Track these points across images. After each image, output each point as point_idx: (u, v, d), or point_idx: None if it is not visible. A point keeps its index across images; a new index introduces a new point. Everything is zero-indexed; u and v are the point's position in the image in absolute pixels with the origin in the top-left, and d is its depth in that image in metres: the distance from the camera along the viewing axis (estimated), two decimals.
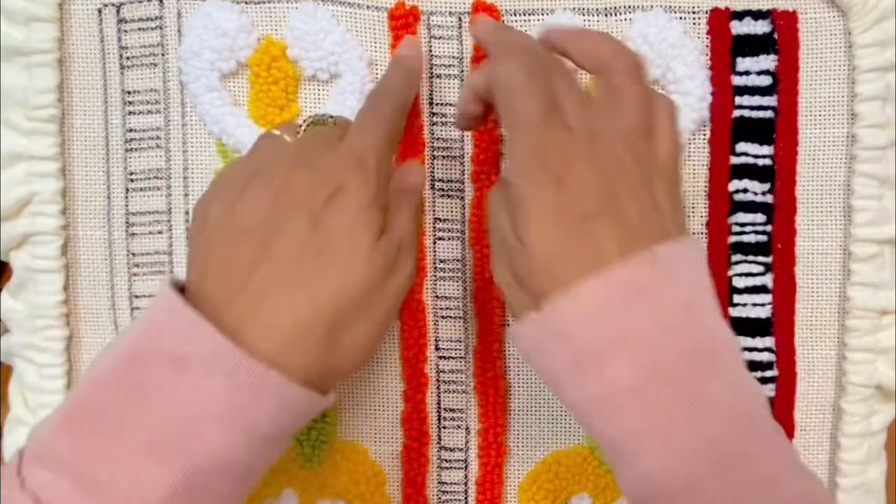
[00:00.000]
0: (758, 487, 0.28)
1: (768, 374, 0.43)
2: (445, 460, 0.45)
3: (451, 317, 0.44)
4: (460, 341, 0.44)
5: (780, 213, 0.43)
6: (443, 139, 0.43)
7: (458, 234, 0.43)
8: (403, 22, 0.41)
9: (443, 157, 0.43)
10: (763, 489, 0.28)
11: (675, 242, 0.30)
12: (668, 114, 0.33)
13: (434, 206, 0.43)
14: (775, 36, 0.42)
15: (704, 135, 0.43)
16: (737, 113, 0.42)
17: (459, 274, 0.43)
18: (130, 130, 0.43)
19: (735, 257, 0.43)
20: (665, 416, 0.28)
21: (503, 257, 0.32)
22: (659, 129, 0.33)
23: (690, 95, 0.42)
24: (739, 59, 0.42)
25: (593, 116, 0.32)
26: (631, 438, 0.29)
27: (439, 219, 0.43)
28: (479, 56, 0.42)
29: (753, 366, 0.43)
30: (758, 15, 0.42)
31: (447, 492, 0.45)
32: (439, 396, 0.44)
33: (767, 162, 0.43)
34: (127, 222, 0.43)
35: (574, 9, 0.42)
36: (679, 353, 0.29)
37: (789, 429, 0.44)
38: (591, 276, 0.29)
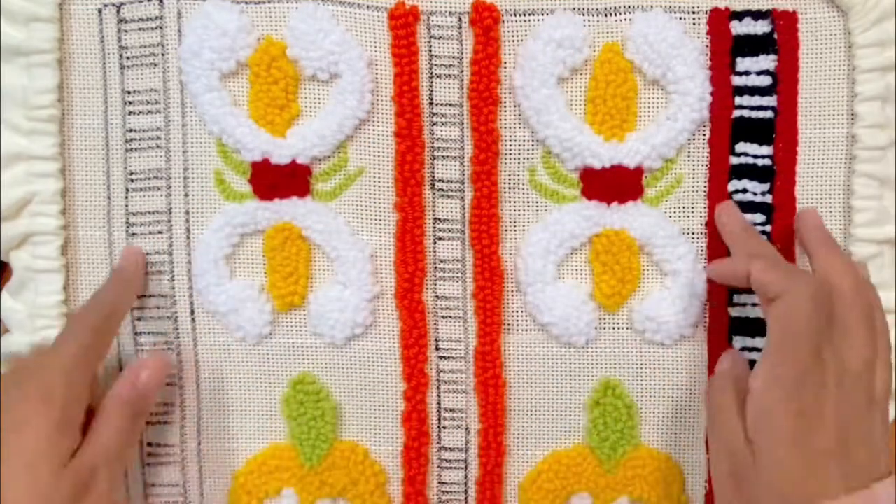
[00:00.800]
0: None
1: None
2: (445, 460, 0.45)
3: (451, 317, 0.44)
4: (460, 341, 0.44)
5: (780, 213, 0.43)
6: (443, 139, 0.43)
7: (458, 234, 0.43)
8: (403, 22, 0.41)
9: (443, 157, 0.43)
10: None
11: (890, 481, 0.33)
12: (887, 343, 0.36)
13: (434, 206, 0.43)
14: (775, 36, 0.42)
15: (704, 135, 0.43)
16: (737, 113, 0.42)
17: (459, 274, 0.43)
18: (130, 130, 0.43)
19: None
20: None
21: (725, 456, 0.35)
22: (880, 360, 0.35)
23: (690, 95, 0.42)
24: (739, 59, 0.42)
25: (838, 349, 0.34)
26: None
27: (439, 219, 0.43)
28: (478, 57, 0.42)
29: (753, 366, 0.43)
30: (758, 15, 0.42)
31: (447, 492, 0.45)
32: (439, 396, 0.44)
33: (767, 162, 0.43)
34: (127, 222, 0.43)
35: (574, 9, 0.42)
36: None
37: None
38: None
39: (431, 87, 0.42)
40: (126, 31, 0.42)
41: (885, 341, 0.36)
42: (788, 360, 0.34)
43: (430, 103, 0.42)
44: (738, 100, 0.42)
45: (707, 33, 0.42)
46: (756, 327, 0.43)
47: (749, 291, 0.43)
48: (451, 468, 0.45)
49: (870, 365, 0.35)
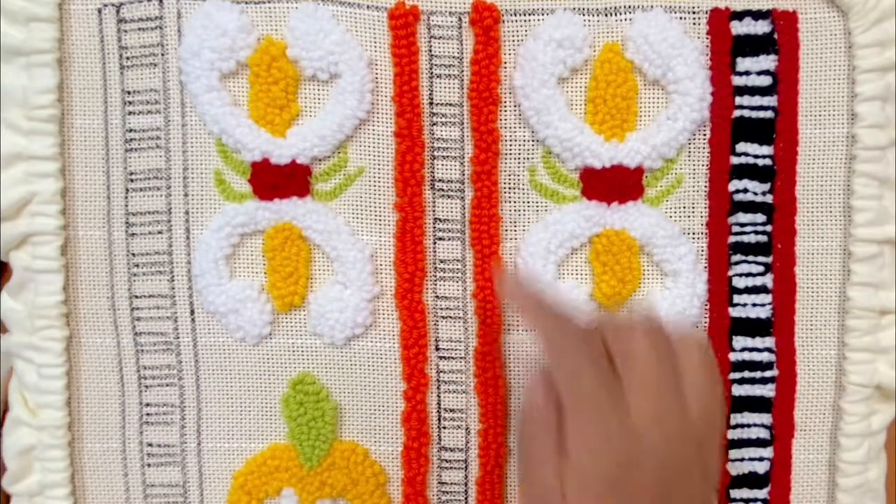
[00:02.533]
0: None
1: (768, 374, 0.43)
2: (445, 460, 0.45)
3: (451, 317, 0.44)
4: (460, 341, 0.44)
5: (780, 213, 0.43)
6: (443, 139, 0.43)
7: (458, 235, 0.43)
8: (403, 21, 0.41)
9: (443, 157, 0.43)
10: None
11: None
12: (721, 401, 0.34)
13: (434, 207, 0.43)
14: (775, 36, 0.42)
15: (704, 135, 0.43)
16: (737, 113, 0.42)
17: (459, 274, 0.43)
18: (130, 130, 0.43)
19: (735, 257, 0.43)
20: None
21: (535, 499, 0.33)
22: (686, 381, 0.33)
23: (690, 95, 0.42)
24: (739, 60, 0.42)
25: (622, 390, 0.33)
26: None
27: (439, 219, 0.43)
28: (479, 57, 0.42)
29: (753, 366, 0.43)
30: (758, 15, 0.42)
31: (447, 492, 0.45)
32: (439, 396, 0.44)
33: (767, 162, 0.43)
34: (127, 222, 0.43)
35: (574, 9, 0.42)
36: None
37: (789, 429, 0.44)
38: None
39: (431, 87, 0.42)
40: (126, 31, 0.42)
41: (691, 361, 0.34)
42: (591, 425, 0.32)
43: (430, 103, 0.42)
44: (738, 100, 0.42)
45: (707, 33, 0.42)
46: (756, 327, 0.43)
47: (749, 291, 0.43)
48: (451, 468, 0.45)
49: (707, 417, 0.33)
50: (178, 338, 0.44)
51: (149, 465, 0.45)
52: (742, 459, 0.44)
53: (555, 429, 0.33)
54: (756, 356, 0.43)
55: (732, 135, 0.42)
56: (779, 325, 0.43)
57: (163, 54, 0.42)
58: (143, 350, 0.44)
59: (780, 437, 0.44)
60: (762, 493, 0.44)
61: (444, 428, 0.44)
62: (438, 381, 0.44)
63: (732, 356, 0.43)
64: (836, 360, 0.44)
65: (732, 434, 0.44)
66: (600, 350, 0.34)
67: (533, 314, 0.36)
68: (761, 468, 0.44)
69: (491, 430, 0.44)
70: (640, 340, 0.33)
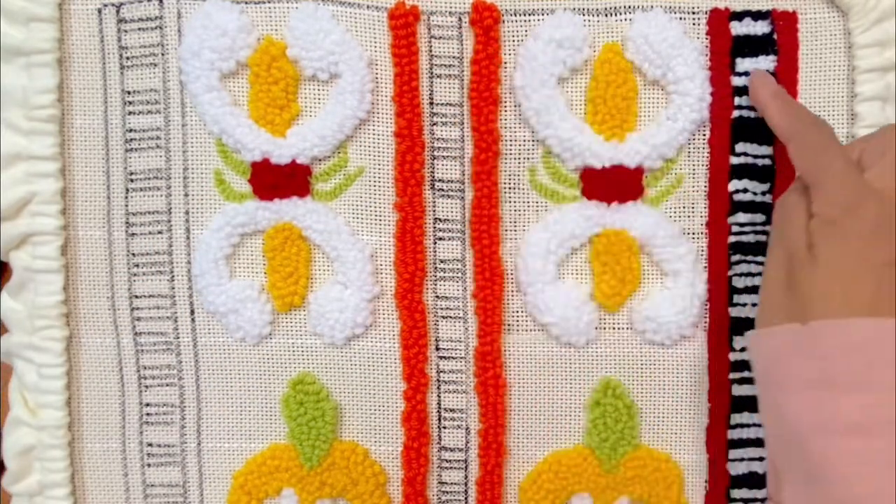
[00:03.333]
0: None
1: None
2: (445, 460, 0.45)
3: (451, 317, 0.44)
4: (460, 341, 0.44)
5: None
6: (443, 139, 0.43)
7: (458, 234, 0.43)
8: (403, 21, 0.41)
9: (443, 157, 0.43)
10: None
11: None
12: None
13: (434, 206, 0.43)
14: (775, 36, 0.42)
15: (704, 135, 0.43)
16: (737, 113, 0.42)
17: (459, 274, 0.43)
18: (130, 130, 0.43)
19: (735, 257, 0.43)
20: (888, 459, 0.31)
21: (783, 259, 0.35)
22: None
23: (690, 95, 0.42)
24: (739, 60, 0.42)
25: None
26: (849, 465, 0.31)
27: (439, 219, 0.43)
28: (479, 57, 0.42)
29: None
30: (757, 15, 0.42)
31: (447, 492, 0.45)
32: (439, 396, 0.44)
33: (767, 162, 0.43)
34: (127, 222, 0.43)
35: (574, 9, 0.42)
36: None
37: None
38: (868, 319, 0.32)
39: (431, 87, 0.42)
40: (126, 31, 0.42)
41: None
42: (839, 175, 0.34)
43: (431, 103, 0.42)
44: (738, 100, 0.42)
45: (707, 33, 0.42)
46: None
47: (749, 291, 0.43)
48: (451, 468, 0.45)
49: None
50: (178, 338, 0.44)
51: (149, 465, 0.45)
52: (742, 459, 0.44)
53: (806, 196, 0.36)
54: None
55: (732, 135, 0.42)
56: None
57: (163, 54, 0.42)
58: (143, 350, 0.44)
59: None
60: (762, 493, 0.44)
61: (444, 428, 0.44)
62: (438, 381, 0.44)
63: (732, 356, 0.43)
64: None
65: (732, 434, 0.44)
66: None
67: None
68: (761, 468, 0.44)
69: (491, 430, 0.44)
70: (892, 137, 0.35)
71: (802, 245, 0.34)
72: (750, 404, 0.44)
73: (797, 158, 0.37)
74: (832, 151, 0.35)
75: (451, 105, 0.42)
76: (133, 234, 0.44)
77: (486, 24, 0.41)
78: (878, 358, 0.32)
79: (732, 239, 0.43)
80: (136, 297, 0.44)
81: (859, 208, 0.33)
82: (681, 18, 0.42)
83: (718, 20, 0.42)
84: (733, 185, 0.43)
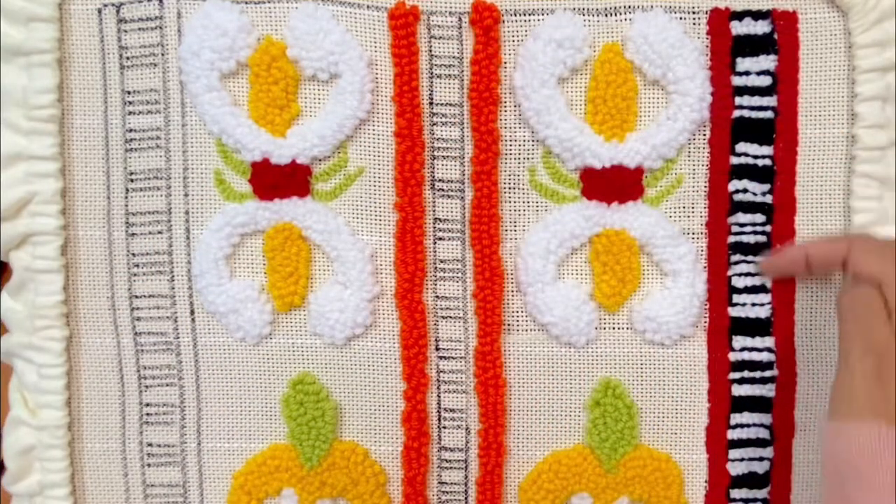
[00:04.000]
0: None
1: (768, 374, 0.43)
2: (445, 460, 0.45)
3: (451, 317, 0.44)
4: (460, 341, 0.44)
5: (780, 213, 0.43)
6: (443, 139, 0.43)
7: (458, 234, 0.43)
8: (403, 22, 0.41)
9: (443, 157, 0.43)
10: None
11: None
12: None
13: (434, 206, 0.43)
14: (775, 36, 0.42)
15: (704, 135, 0.43)
16: (737, 113, 0.42)
17: (459, 274, 0.43)
18: (130, 130, 0.43)
19: (735, 257, 0.43)
20: None
21: (872, 357, 0.36)
22: None
23: (690, 95, 0.42)
24: (739, 60, 0.42)
25: None
26: None
27: (439, 219, 0.43)
28: (479, 57, 0.42)
29: (753, 366, 0.43)
30: (758, 15, 0.42)
31: (447, 492, 0.45)
32: (439, 396, 0.44)
33: (767, 162, 0.43)
34: (127, 222, 0.43)
35: (574, 9, 0.42)
36: None
37: (789, 429, 0.44)
38: None
39: (431, 87, 0.42)
40: (126, 31, 0.42)
41: None
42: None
43: (431, 103, 0.42)
44: (738, 100, 0.42)
45: (707, 33, 0.42)
46: (756, 327, 0.43)
47: (749, 291, 0.43)
48: (451, 468, 0.45)
49: None
50: (178, 338, 0.44)
51: (149, 465, 0.45)
52: (742, 459, 0.44)
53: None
54: (756, 356, 0.43)
55: (732, 135, 0.42)
56: (778, 325, 0.43)
57: (163, 54, 0.42)
58: (143, 350, 0.44)
59: (780, 437, 0.44)
60: (762, 493, 0.44)
61: (444, 428, 0.44)
62: (438, 381, 0.44)
63: (732, 356, 0.43)
64: (836, 360, 0.43)
65: (732, 434, 0.44)
66: None
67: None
68: (761, 468, 0.44)
69: (491, 430, 0.44)
70: None
71: (891, 343, 0.35)
72: (750, 404, 0.44)
73: (862, 263, 0.37)
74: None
75: (451, 105, 0.42)
76: (133, 234, 0.44)
77: (486, 24, 0.41)
78: None
79: (732, 239, 0.43)
80: (136, 297, 0.44)
81: None
82: (681, 18, 0.42)
83: (719, 20, 0.42)
84: (733, 185, 0.43)
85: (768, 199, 0.43)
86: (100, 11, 0.42)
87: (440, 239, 0.43)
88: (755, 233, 0.43)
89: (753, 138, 0.42)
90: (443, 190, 0.43)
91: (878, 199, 0.42)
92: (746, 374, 0.43)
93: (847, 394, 0.36)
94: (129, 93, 0.43)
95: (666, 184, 0.43)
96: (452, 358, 0.44)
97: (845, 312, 0.37)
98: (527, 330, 0.44)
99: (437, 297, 0.43)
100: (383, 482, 0.44)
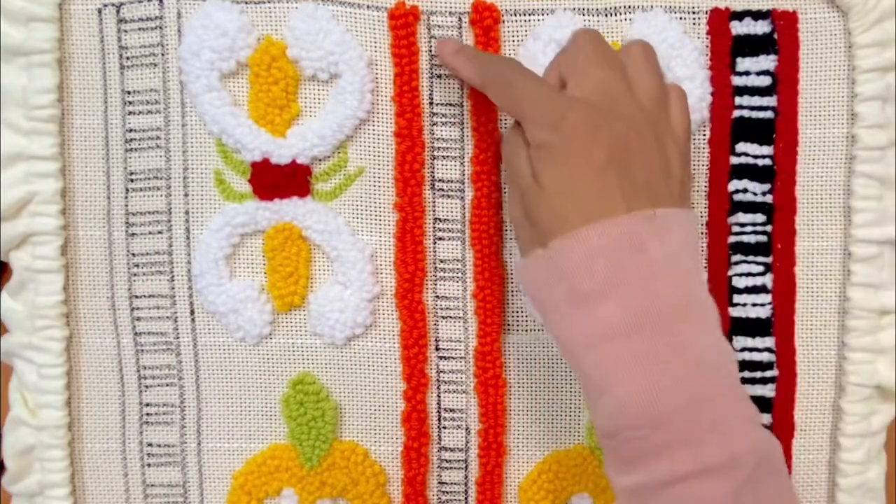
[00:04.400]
0: (710, 434, 0.31)
1: (768, 374, 0.43)
2: (445, 460, 0.45)
3: (451, 317, 0.44)
4: (460, 341, 0.44)
5: (780, 213, 0.43)
6: (443, 139, 0.43)
7: (458, 234, 0.43)
8: (403, 21, 0.41)
9: (443, 157, 0.43)
10: (714, 435, 0.31)
11: (676, 209, 0.34)
12: (680, 94, 0.37)
13: (434, 206, 0.43)
14: (775, 36, 0.42)
15: (704, 135, 0.43)
16: (737, 113, 0.42)
17: (459, 274, 0.43)
18: (130, 130, 0.43)
19: (735, 257, 0.43)
20: (645, 354, 0.31)
21: (517, 194, 0.35)
22: (672, 104, 0.36)
23: (690, 96, 0.41)
24: (739, 60, 0.42)
25: (630, 89, 0.35)
26: (612, 370, 0.32)
27: (439, 219, 0.43)
28: None
29: (753, 366, 0.43)
30: (758, 15, 0.42)
31: (447, 492, 0.45)
32: (439, 396, 0.44)
33: (767, 162, 0.43)
34: (127, 222, 0.43)
35: (574, 9, 0.42)
36: (665, 302, 0.32)
37: (789, 429, 0.44)
38: (598, 223, 0.32)
39: (431, 87, 0.42)
40: (126, 31, 0.42)
41: (677, 94, 0.37)
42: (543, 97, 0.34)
43: (430, 103, 0.42)
44: (738, 100, 0.42)
45: (707, 33, 0.42)
46: (756, 327, 0.43)
47: (749, 291, 0.43)
48: (451, 468, 0.45)
49: (655, 100, 0.35)
50: (178, 338, 0.44)
51: (149, 465, 0.45)
52: None
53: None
54: (756, 356, 0.43)
55: (732, 135, 0.42)
56: (779, 325, 0.43)
57: (163, 54, 0.42)
58: (143, 350, 0.44)
59: (780, 437, 0.44)
60: None
61: (444, 428, 0.44)
62: (438, 381, 0.44)
63: None
64: (836, 360, 0.44)
65: None
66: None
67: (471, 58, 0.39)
68: None
69: (491, 430, 0.44)
70: (582, 44, 0.36)
71: (528, 176, 0.34)
72: None
73: (498, 100, 0.37)
74: (523, 80, 0.35)
75: (451, 105, 0.42)
76: (133, 234, 0.44)
77: (486, 24, 0.41)
78: (618, 255, 0.32)
79: (732, 239, 0.43)
80: (136, 297, 0.44)
81: (563, 122, 0.33)
82: (681, 18, 0.42)
83: (719, 20, 0.42)
84: (733, 185, 0.43)
85: (768, 199, 0.43)
86: (100, 11, 0.42)
87: (440, 239, 0.43)
88: (755, 233, 0.43)
89: (753, 138, 0.42)
90: (443, 190, 0.43)
91: (878, 199, 0.42)
92: (747, 374, 0.43)
93: (515, 237, 0.37)
94: (129, 93, 0.43)
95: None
96: (452, 358, 0.44)
97: (502, 159, 0.39)
98: (527, 330, 0.44)
99: (437, 297, 0.43)
100: (383, 482, 0.44)
